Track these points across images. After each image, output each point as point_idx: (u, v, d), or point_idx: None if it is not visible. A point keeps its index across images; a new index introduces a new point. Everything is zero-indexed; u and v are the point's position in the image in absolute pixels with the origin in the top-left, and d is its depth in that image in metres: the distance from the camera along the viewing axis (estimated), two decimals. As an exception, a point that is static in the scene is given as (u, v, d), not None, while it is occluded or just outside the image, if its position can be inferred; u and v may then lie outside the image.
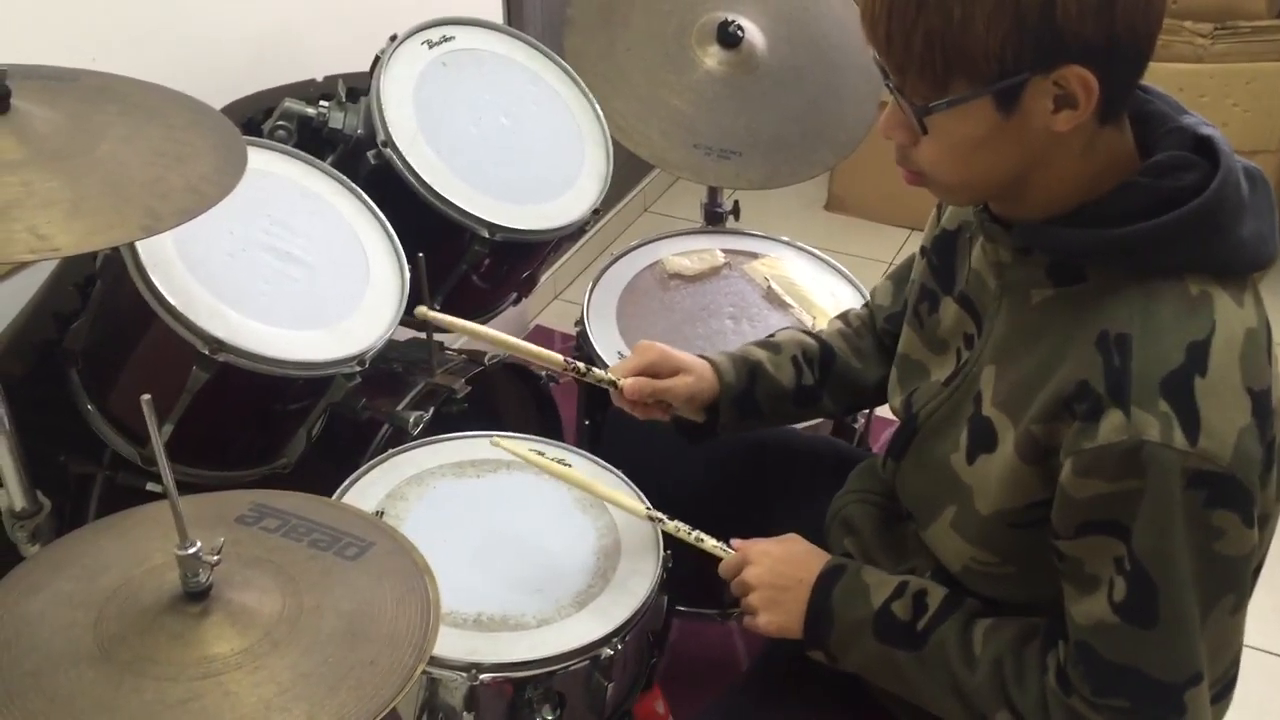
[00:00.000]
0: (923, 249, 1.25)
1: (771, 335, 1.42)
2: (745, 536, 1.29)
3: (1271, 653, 2.03)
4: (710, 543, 1.26)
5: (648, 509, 1.30)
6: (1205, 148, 0.98)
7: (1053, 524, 1.00)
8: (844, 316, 1.47)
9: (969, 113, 0.93)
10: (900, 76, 0.95)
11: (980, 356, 1.11)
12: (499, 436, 1.33)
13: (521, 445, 1.34)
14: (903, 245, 3.20)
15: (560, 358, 1.39)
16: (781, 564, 1.21)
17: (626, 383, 1.33)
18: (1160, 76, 0.97)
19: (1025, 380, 1.03)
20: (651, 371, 1.34)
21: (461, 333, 1.45)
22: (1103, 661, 0.99)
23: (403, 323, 1.51)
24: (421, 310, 1.45)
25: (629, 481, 1.42)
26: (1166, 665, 0.97)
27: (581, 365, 1.38)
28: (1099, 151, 0.97)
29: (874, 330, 1.42)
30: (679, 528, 1.27)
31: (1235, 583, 0.98)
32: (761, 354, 1.37)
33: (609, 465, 1.44)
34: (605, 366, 1.65)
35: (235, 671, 0.87)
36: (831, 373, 1.38)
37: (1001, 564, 1.10)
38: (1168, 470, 0.91)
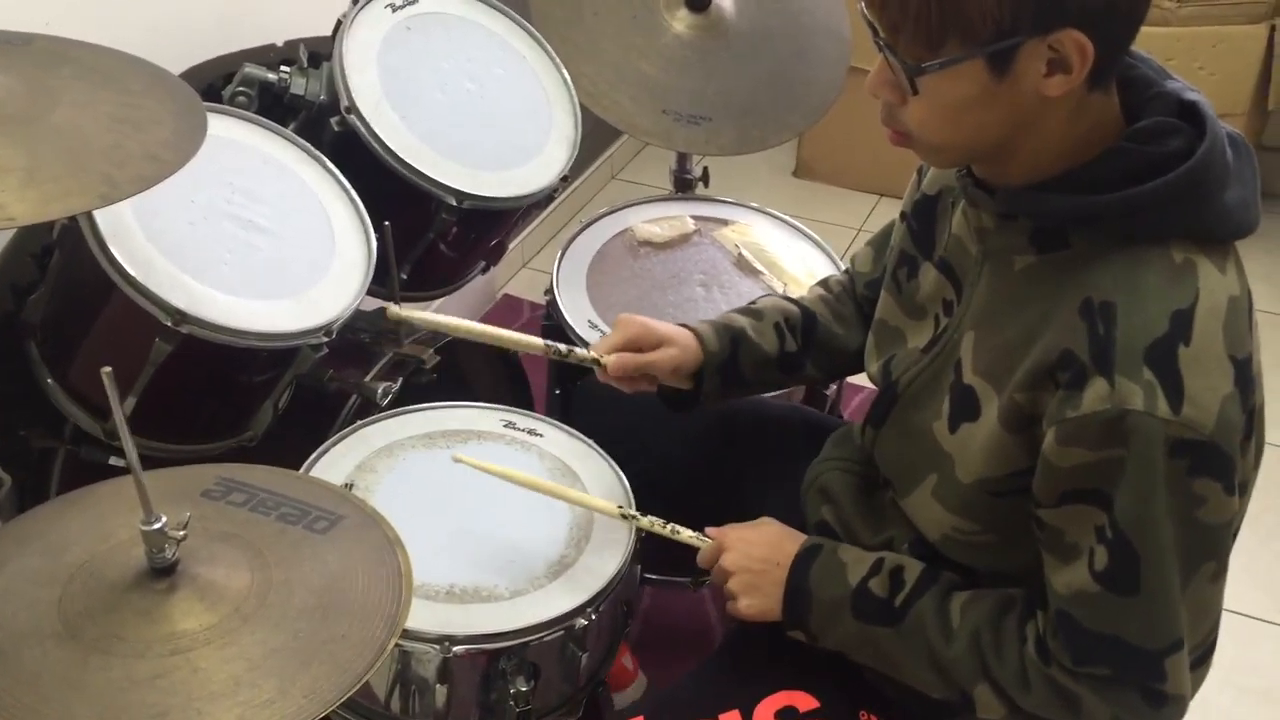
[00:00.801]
0: (902, 214, 1.24)
1: (753, 302, 1.41)
2: (717, 504, 1.28)
3: (1240, 613, 2.05)
4: (686, 534, 1.26)
5: (620, 508, 1.28)
6: (1190, 113, 0.97)
7: (1034, 493, 1.00)
8: (824, 283, 1.45)
9: (961, 74, 0.92)
10: (893, 35, 0.93)
11: (960, 323, 1.10)
12: (460, 453, 1.31)
13: (487, 459, 1.31)
14: (871, 211, 3.20)
15: (541, 342, 1.37)
16: (757, 548, 1.20)
17: (610, 360, 1.31)
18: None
19: (1007, 347, 1.02)
20: (634, 345, 1.32)
21: (435, 329, 1.42)
22: (1083, 630, 0.99)
23: (370, 292, 1.48)
24: (393, 311, 1.42)
25: (600, 451, 1.41)
26: (1147, 633, 0.98)
27: (563, 347, 1.36)
28: (1086, 116, 0.96)
29: (855, 296, 1.41)
30: (653, 523, 1.27)
31: (1216, 550, 0.98)
32: (744, 321, 1.36)
33: (580, 435, 1.43)
34: (580, 340, 1.65)
35: (204, 648, 0.85)
36: (814, 339, 1.38)
37: (981, 533, 1.10)
38: (1151, 439, 0.91)
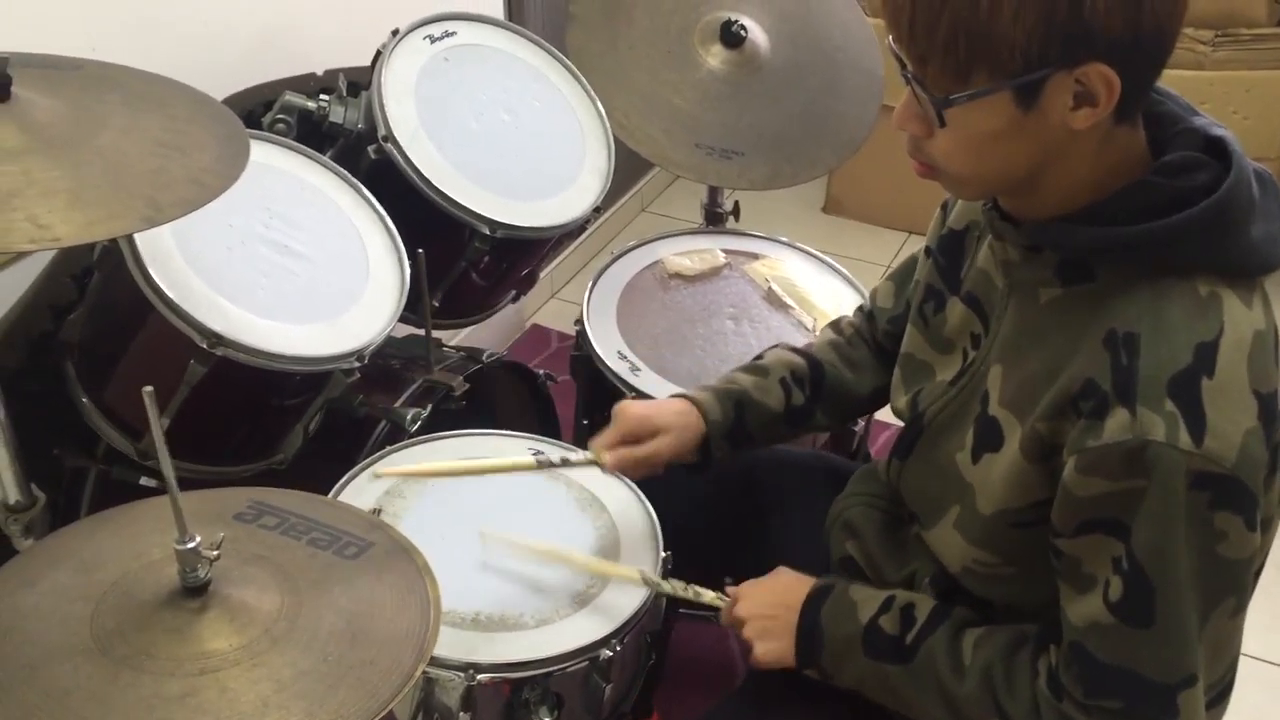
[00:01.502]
0: (927, 249, 1.25)
1: (758, 357, 1.41)
2: (741, 541, 1.28)
3: (1268, 661, 2.02)
4: (709, 596, 1.25)
5: (642, 574, 1.28)
6: (1216, 148, 0.97)
7: (1053, 522, 1.00)
8: (836, 325, 1.45)
9: (988, 106, 0.92)
10: (921, 67, 0.94)
11: (988, 356, 1.10)
12: (487, 529, 1.31)
13: (512, 535, 1.31)
14: (900, 248, 3.20)
15: (531, 460, 1.36)
16: (769, 594, 1.21)
17: (608, 460, 1.31)
18: (1161, 82, 0.98)
19: (1032, 379, 1.02)
20: (632, 438, 1.32)
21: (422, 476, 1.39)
22: (1096, 662, 0.98)
23: (402, 319, 1.50)
24: (379, 468, 1.37)
25: (628, 481, 1.40)
26: (1161, 666, 0.97)
27: (556, 458, 1.36)
28: (1113, 150, 0.97)
29: (869, 337, 1.41)
30: (675, 587, 1.26)
31: (1236, 586, 0.98)
32: (747, 381, 1.36)
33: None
34: (610, 372, 1.65)
35: (233, 668, 0.86)
36: (823, 389, 1.38)
37: (1002, 565, 1.10)
38: (1172, 471, 0.91)
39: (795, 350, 1.41)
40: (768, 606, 1.20)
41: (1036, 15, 0.87)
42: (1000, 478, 1.05)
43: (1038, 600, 1.08)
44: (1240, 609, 0.99)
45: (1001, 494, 1.05)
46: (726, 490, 1.49)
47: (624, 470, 1.33)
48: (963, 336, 1.16)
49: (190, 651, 0.86)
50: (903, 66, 0.96)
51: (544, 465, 1.37)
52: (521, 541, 1.29)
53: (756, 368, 1.39)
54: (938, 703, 1.09)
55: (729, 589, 1.25)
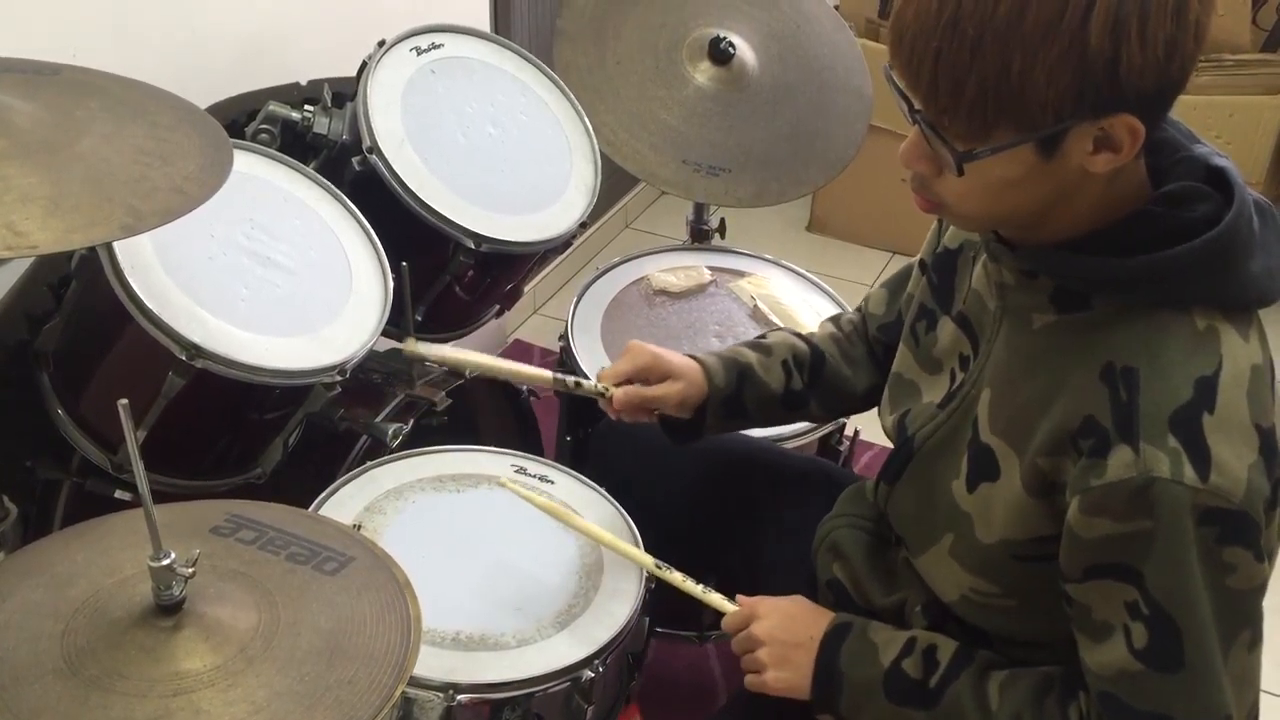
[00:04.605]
0: (922, 263, 1.23)
1: (762, 336, 1.41)
2: (729, 556, 1.26)
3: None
4: (716, 597, 1.23)
5: (656, 562, 1.26)
6: (1218, 179, 0.96)
7: (1061, 566, 0.98)
8: (836, 320, 1.45)
9: (1010, 156, 0.90)
10: (939, 118, 0.91)
11: (978, 380, 1.09)
12: (507, 479, 1.31)
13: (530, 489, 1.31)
14: (884, 268, 3.20)
15: (549, 374, 1.38)
16: (790, 620, 1.17)
17: (616, 393, 1.32)
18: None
19: (1025, 408, 1.01)
20: (642, 377, 1.32)
21: (447, 363, 1.44)
22: (1131, 711, 0.96)
23: (384, 333, 1.48)
24: (409, 345, 1.46)
25: (611, 499, 1.39)
26: (1198, 710, 0.94)
27: (569, 379, 1.36)
28: (1120, 183, 0.95)
29: (866, 337, 1.40)
30: (685, 580, 1.24)
31: (1250, 618, 0.96)
32: (752, 356, 1.35)
33: (591, 482, 1.42)
34: (589, 377, 1.64)
35: (207, 689, 0.84)
36: (821, 378, 1.37)
37: (1001, 596, 1.08)
38: (1179, 508, 0.89)
39: (798, 335, 1.40)
40: (789, 633, 1.16)
41: (1071, 76, 0.85)
42: (1002, 509, 1.03)
43: (1033, 631, 1.07)
44: (1256, 642, 0.97)
45: (1003, 525, 1.03)
46: (719, 495, 1.48)
47: (629, 409, 1.32)
48: (952, 357, 1.15)
49: (163, 672, 0.84)
50: (910, 107, 0.93)
51: (559, 384, 1.38)
52: (539, 500, 1.28)
53: (760, 346, 1.38)
54: None
55: (741, 598, 1.21)
